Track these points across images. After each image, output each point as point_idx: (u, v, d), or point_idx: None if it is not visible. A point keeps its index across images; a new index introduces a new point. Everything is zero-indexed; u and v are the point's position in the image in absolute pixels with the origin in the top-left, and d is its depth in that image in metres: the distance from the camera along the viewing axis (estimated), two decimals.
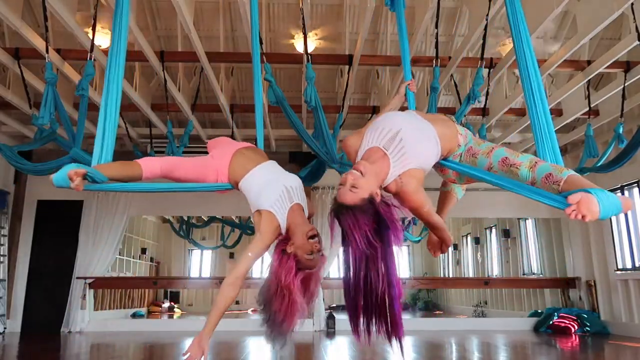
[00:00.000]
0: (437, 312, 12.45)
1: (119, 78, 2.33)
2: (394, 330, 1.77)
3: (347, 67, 5.24)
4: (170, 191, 2.38)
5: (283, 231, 2.16)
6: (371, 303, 1.75)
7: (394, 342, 1.77)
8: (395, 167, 1.87)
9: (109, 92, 2.31)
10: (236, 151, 2.42)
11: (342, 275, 1.83)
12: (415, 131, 1.93)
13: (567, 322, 7.16)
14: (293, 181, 2.28)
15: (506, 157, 1.88)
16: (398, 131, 1.90)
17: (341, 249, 1.81)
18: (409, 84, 2.64)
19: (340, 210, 1.76)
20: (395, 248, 1.76)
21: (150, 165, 2.24)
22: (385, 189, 1.91)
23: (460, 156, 2.09)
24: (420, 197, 1.91)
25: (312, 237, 2.09)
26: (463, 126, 2.19)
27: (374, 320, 1.78)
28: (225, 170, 2.36)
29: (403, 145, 1.87)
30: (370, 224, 1.73)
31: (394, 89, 5.67)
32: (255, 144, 2.70)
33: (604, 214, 1.55)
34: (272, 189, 2.19)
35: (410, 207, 1.92)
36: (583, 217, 1.54)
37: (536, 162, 1.81)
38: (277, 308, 2.10)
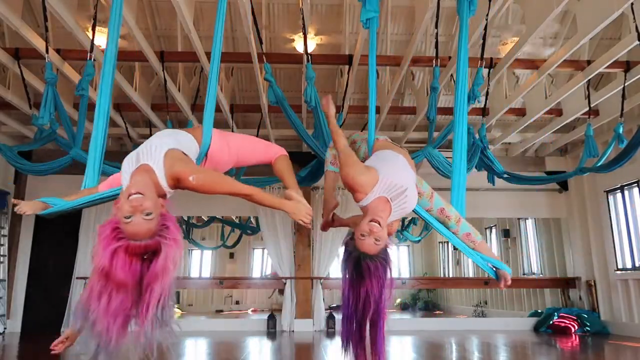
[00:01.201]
0: (437, 312, 12.45)
1: (106, 112, 2.39)
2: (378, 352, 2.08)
3: (347, 67, 5.24)
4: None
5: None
6: (362, 329, 2.07)
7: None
8: (393, 215, 2.17)
9: (98, 126, 2.37)
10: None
11: (344, 304, 2.10)
12: (413, 190, 2.23)
13: (567, 322, 7.17)
14: (153, 140, 1.99)
15: (443, 208, 2.40)
16: (405, 190, 2.16)
17: (346, 281, 2.09)
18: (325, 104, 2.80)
19: (364, 258, 2.03)
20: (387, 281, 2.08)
21: (105, 183, 2.25)
22: None
23: None
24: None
25: (133, 194, 1.69)
26: None
27: (362, 342, 2.08)
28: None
29: (405, 201, 2.16)
30: (383, 268, 2.05)
31: (394, 89, 5.67)
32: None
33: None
34: (127, 157, 1.97)
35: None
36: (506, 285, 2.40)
37: (460, 219, 2.41)
38: (89, 295, 1.65)
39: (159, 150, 1.90)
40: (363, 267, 2.02)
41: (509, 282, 2.38)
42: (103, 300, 1.62)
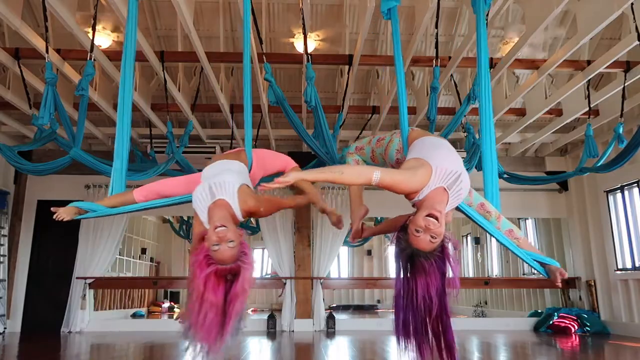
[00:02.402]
0: None
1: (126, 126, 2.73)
2: (449, 353, 1.94)
3: (347, 67, 5.24)
4: (161, 207, 2.59)
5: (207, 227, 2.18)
6: (425, 327, 1.93)
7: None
8: (451, 205, 2.04)
9: (122, 137, 2.72)
10: (220, 157, 2.60)
11: (398, 302, 1.99)
12: (466, 174, 2.11)
13: (567, 322, 7.17)
14: (224, 177, 2.26)
15: (484, 203, 2.34)
16: (459, 175, 2.03)
17: (399, 279, 1.98)
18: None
19: (418, 255, 1.91)
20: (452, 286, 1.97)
21: (141, 191, 2.54)
22: None
23: None
24: None
25: (219, 227, 2.01)
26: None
27: (428, 343, 1.95)
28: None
29: (461, 187, 2.03)
30: (439, 265, 1.92)
31: (394, 89, 5.67)
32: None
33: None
34: (198, 189, 2.24)
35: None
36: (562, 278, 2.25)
37: (500, 215, 2.35)
38: (190, 313, 2.02)
39: (232, 187, 2.22)
40: (417, 265, 1.89)
41: (565, 275, 2.23)
42: (201, 317, 1.97)
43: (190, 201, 2.35)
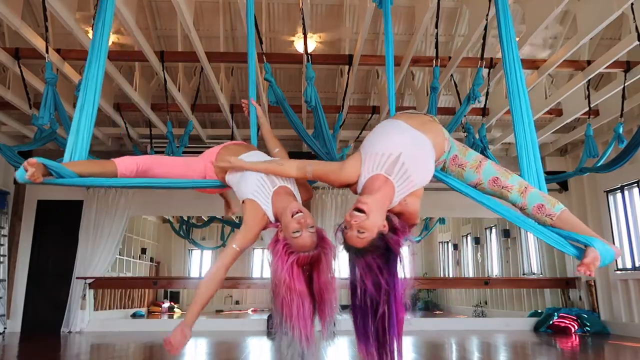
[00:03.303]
0: (437, 312, 12.45)
1: (99, 74, 2.34)
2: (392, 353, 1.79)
3: (347, 67, 5.24)
4: (151, 187, 2.29)
5: (272, 218, 2.04)
6: (378, 327, 1.79)
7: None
8: (400, 191, 1.84)
9: (87, 86, 2.34)
10: (223, 146, 2.39)
11: (351, 301, 1.86)
12: (415, 151, 1.86)
13: (567, 322, 7.16)
14: None
15: (497, 178, 1.92)
16: (399, 155, 1.82)
17: (349, 272, 1.84)
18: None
19: (351, 252, 1.79)
20: (404, 280, 1.80)
21: (125, 162, 2.16)
22: (389, 210, 1.87)
23: (445, 163, 2.05)
24: (418, 211, 1.99)
25: (296, 213, 1.90)
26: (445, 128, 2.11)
27: (380, 343, 1.80)
28: (212, 167, 2.30)
29: (406, 169, 1.82)
30: (380, 261, 1.75)
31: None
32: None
33: (602, 265, 1.78)
34: (251, 175, 2.08)
35: (410, 223, 1.98)
36: (590, 273, 1.76)
37: (526, 188, 1.89)
38: (280, 308, 1.88)
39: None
40: (354, 263, 1.77)
41: (593, 266, 1.74)
42: (294, 309, 1.85)
43: (191, 187, 2.26)
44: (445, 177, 2.07)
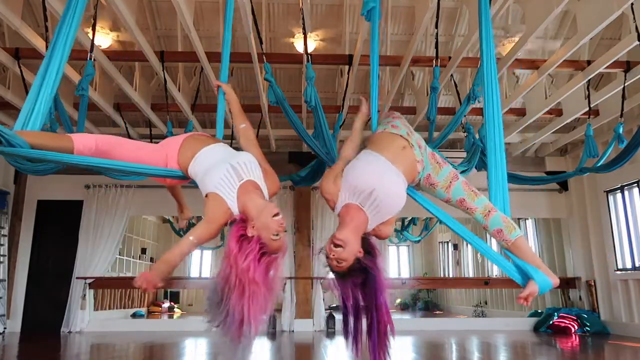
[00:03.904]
0: (437, 312, 12.45)
1: (68, 39, 2.22)
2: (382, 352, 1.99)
3: (347, 67, 5.24)
4: (105, 168, 2.18)
5: (235, 212, 1.98)
6: (365, 332, 2.00)
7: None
8: (373, 220, 2.08)
9: (53, 52, 2.17)
10: (188, 136, 2.28)
11: (342, 312, 2.06)
12: (386, 187, 2.05)
13: (567, 322, 7.16)
14: (243, 157, 2.10)
15: (464, 199, 2.14)
16: (371, 191, 2.03)
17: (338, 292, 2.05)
18: (363, 112, 2.63)
19: (335, 275, 2.02)
20: (382, 291, 1.99)
21: (83, 139, 2.05)
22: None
23: (420, 181, 2.26)
24: (391, 232, 2.25)
25: (277, 215, 1.89)
26: (420, 148, 2.24)
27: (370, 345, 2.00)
28: (175, 155, 2.18)
29: (377, 203, 2.04)
30: (359, 281, 1.98)
31: (394, 89, 5.68)
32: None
33: (539, 294, 2.14)
34: (216, 168, 2.02)
35: (383, 238, 2.22)
36: (526, 304, 2.07)
37: (489, 211, 2.11)
38: (236, 303, 1.79)
39: (257, 168, 2.10)
40: (338, 283, 2.02)
41: (530, 297, 2.07)
42: (255, 305, 1.80)
43: (150, 174, 2.18)
44: (415, 196, 2.31)
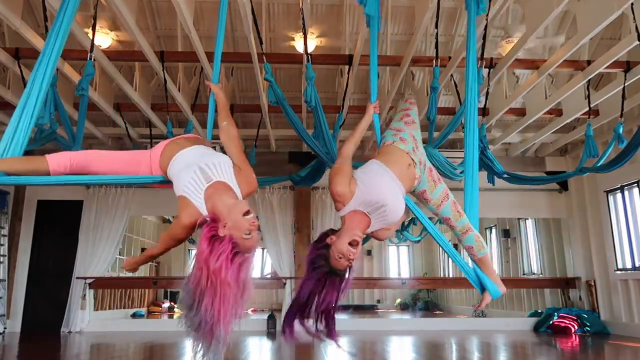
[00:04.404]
0: (437, 312, 12.45)
1: (47, 73, 2.32)
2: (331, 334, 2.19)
3: (347, 67, 5.24)
4: (83, 183, 2.35)
5: (205, 213, 1.97)
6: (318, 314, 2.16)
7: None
8: (374, 226, 2.30)
9: (33, 85, 2.27)
10: (170, 141, 2.30)
11: (299, 294, 2.18)
12: (395, 204, 2.28)
13: (567, 322, 7.17)
14: (215, 159, 2.10)
15: (449, 218, 2.48)
16: (383, 205, 2.23)
17: (306, 281, 2.18)
18: (375, 107, 2.79)
19: (331, 274, 2.14)
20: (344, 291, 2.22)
21: (57, 158, 2.11)
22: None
23: (414, 191, 2.54)
24: (389, 235, 2.54)
25: (248, 213, 1.89)
26: (420, 164, 2.47)
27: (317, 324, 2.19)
28: (157, 160, 2.21)
29: (385, 215, 2.27)
30: (345, 279, 2.20)
31: (394, 89, 5.68)
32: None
33: (493, 299, 2.63)
34: (185, 171, 2.04)
35: (380, 240, 2.52)
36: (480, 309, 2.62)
37: (467, 231, 2.48)
38: (208, 306, 1.76)
39: (228, 168, 2.10)
40: (328, 281, 2.13)
41: (481, 306, 2.66)
42: (226, 306, 1.78)
43: (134, 182, 2.26)
44: (414, 208, 2.58)
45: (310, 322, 2.17)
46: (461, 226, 2.48)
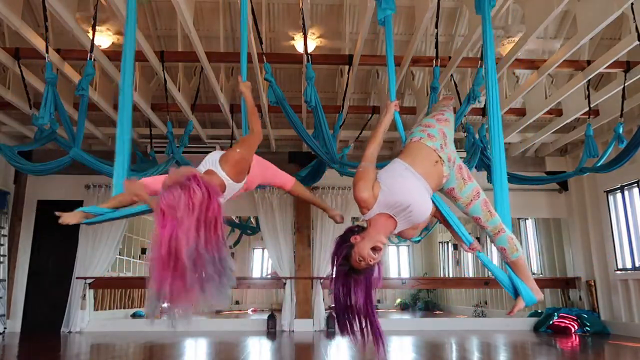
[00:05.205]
0: (437, 312, 12.45)
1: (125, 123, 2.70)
2: (379, 340, 2.18)
3: (347, 67, 5.24)
4: None
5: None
6: (358, 323, 2.18)
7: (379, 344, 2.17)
8: (400, 227, 2.26)
9: (122, 132, 2.68)
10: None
11: (335, 302, 2.19)
12: (421, 204, 2.23)
13: (567, 322, 7.17)
14: (206, 161, 2.53)
15: (479, 218, 2.38)
16: (408, 206, 2.19)
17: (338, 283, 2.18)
18: (395, 105, 2.67)
19: (353, 273, 2.15)
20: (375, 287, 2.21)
21: (153, 186, 2.42)
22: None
23: (442, 189, 2.49)
24: (415, 234, 2.49)
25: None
26: (449, 162, 2.38)
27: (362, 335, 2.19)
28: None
29: (410, 216, 2.22)
30: (369, 276, 2.19)
31: None
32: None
33: (526, 306, 2.43)
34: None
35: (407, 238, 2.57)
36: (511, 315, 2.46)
37: (499, 231, 2.36)
38: (208, 243, 1.81)
39: (213, 158, 2.53)
40: (351, 281, 2.14)
41: (512, 312, 2.41)
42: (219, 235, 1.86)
43: None
44: (440, 206, 2.45)
45: (356, 323, 2.18)
46: (492, 226, 2.37)
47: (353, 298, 2.14)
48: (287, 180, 3.03)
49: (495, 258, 8.92)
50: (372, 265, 2.14)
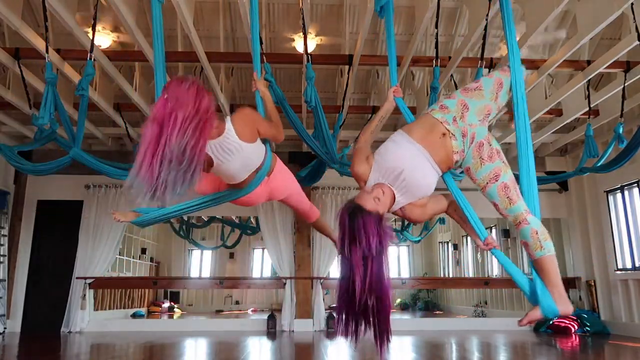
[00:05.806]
0: (437, 312, 12.45)
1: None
2: (383, 332, 1.95)
3: (347, 67, 5.24)
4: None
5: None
6: (363, 304, 1.90)
7: (383, 342, 1.95)
8: (400, 199, 2.15)
9: None
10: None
11: (340, 274, 1.96)
12: (415, 170, 2.11)
13: (567, 322, 7.16)
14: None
15: (497, 204, 2.10)
16: (401, 172, 2.10)
17: (339, 254, 1.99)
18: (394, 90, 2.68)
19: (357, 211, 1.97)
20: (387, 260, 1.96)
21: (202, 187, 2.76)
22: (391, 211, 2.20)
23: (460, 168, 2.28)
24: (422, 217, 2.27)
25: None
26: (464, 138, 2.14)
27: (364, 321, 1.96)
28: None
29: (405, 184, 2.12)
30: (378, 233, 1.93)
31: None
32: None
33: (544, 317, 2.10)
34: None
35: (413, 221, 2.31)
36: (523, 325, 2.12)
37: (520, 222, 2.03)
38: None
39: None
40: (356, 220, 1.93)
41: (522, 322, 2.08)
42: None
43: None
44: (452, 188, 2.30)
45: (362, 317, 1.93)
46: (513, 216, 2.05)
47: (359, 256, 1.88)
48: (314, 213, 3.15)
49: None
50: (377, 209, 2.00)
